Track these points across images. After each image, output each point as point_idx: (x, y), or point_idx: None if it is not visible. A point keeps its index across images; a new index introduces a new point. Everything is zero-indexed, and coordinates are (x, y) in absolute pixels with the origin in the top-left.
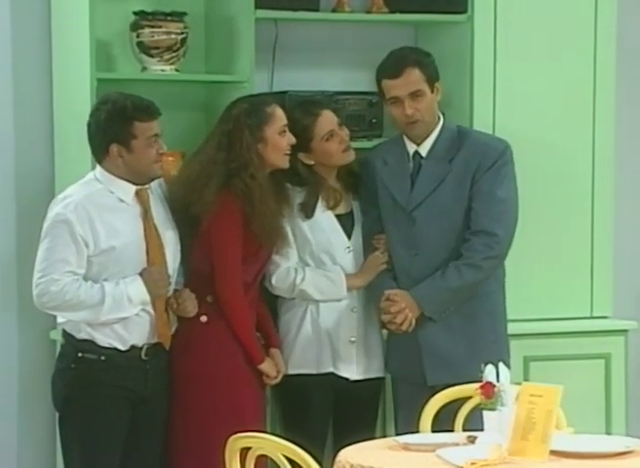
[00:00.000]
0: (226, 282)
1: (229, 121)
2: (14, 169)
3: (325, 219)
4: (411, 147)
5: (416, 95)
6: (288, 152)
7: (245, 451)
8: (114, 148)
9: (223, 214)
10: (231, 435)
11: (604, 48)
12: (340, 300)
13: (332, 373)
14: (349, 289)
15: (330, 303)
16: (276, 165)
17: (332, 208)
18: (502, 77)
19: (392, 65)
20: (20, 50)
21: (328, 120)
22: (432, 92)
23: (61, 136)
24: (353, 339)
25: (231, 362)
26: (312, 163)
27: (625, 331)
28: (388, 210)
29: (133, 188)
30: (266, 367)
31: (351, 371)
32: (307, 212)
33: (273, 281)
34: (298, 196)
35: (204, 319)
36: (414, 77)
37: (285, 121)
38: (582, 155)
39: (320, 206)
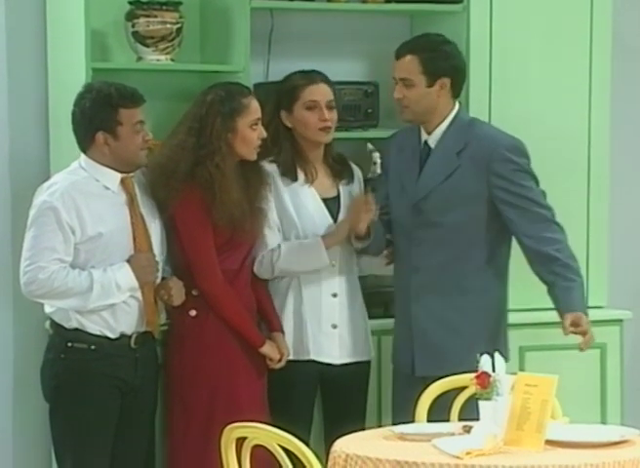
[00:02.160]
0: (204, 273)
1: (203, 106)
2: (8, 158)
3: (311, 202)
4: (423, 136)
5: (405, 82)
6: (257, 146)
7: (241, 441)
8: (100, 136)
9: (187, 205)
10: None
11: (600, 37)
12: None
13: (313, 360)
14: (328, 246)
15: (311, 290)
16: (244, 157)
17: (311, 183)
18: (498, 67)
19: (400, 47)
20: (16, 39)
21: (319, 91)
22: (431, 85)
23: (56, 126)
24: (335, 324)
25: (225, 353)
26: (290, 126)
27: (621, 320)
28: (396, 197)
29: (118, 176)
30: (268, 349)
31: (333, 357)
32: (289, 174)
33: (255, 268)
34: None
35: (193, 313)
36: (407, 65)
37: (259, 115)
38: (578, 145)
39: (301, 180)
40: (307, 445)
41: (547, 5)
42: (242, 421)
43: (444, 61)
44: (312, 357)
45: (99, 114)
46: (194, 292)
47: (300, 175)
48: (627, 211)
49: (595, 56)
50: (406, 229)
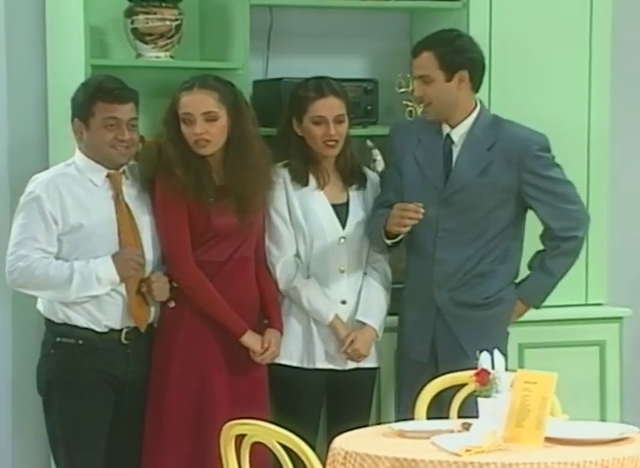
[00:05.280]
0: (175, 262)
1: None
2: (7, 152)
3: (319, 206)
4: (445, 129)
5: (424, 79)
6: (194, 141)
7: (240, 439)
8: (77, 123)
9: (160, 192)
10: (197, 419)
11: (599, 33)
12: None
13: (321, 368)
14: (336, 328)
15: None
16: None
17: (322, 188)
18: (498, 64)
19: (415, 45)
20: (15, 36)
21: (327, 106)
22: (449, 80)
23: (55, 122)
24: None
25: (197, 347)
26: (300, 134)
27: (620, 318)
28: (417, 189)
29: (104, 171)
30: (248, 339)
31: (341, 363)
32: (300, 180)
33: (278, 271)
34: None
35: (172, 304)
36: (424, 62)
37: (187, 109)
38: (578, 142)
39: (312, 183)
40: (314, 449)
41: (547, 1)
42: (213, 420)
43: (460, 54)
44: (320, 365)
45: (78, 101)
46: (174, 284)
47: (312, 181)
48: (627, 208)
49: (595, 51)
50: (429, 221)
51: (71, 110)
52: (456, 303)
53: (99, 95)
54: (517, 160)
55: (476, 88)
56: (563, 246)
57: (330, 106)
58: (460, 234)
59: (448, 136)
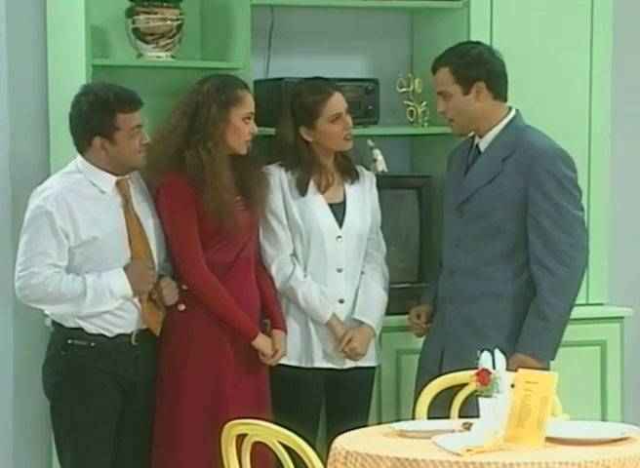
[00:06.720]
0: (187, 266)
1: (199, 94)
2: (8, 157)
3: (316, 206)
4: (476, 140)
5: (443, 95)
6: (248, 140)
7: (241, 438)
8: (97, 141)
9: (170, 193)
10: (211, 421)
11: (600, 33)
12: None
13: (319, 368)
14: (332, 325)
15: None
16: (234, 149)
17: (323, 191)
18: None
19: (433, 62)
20: (16, 36)
21: (338, 102)
22: (467, 93)
23: (57, 124)
24: None
25: (211, 349)
26: (311, 140)
27: (621, 317)
28: (446, 200)
29: (113, 179)
30: (260, 342)
31: (339, 362)
32: (301, 189)
33: (274, 271)
34: (290, 178)
35: (182, 307)
36: (441, 77)
37: (252, 109)
38: (579, 142)
39: (312, 187)
40: (314, 448)
41: (548, 1)
42: (225, 418)
43: (474, 67)
44: (319, 364)
45: (95, 119)
46: (184, 287)
47: (312, 186)
48: (628, 207)
49: (596, 52)
50: (449, 230)
51: (81, 129)
52: (461, 323)
53: (118, 107)
54: (527, 172)
55: (502, 96)
56: (548, 283)
57: (340, 101)
58: (469, 244)
59: (476, 146)
